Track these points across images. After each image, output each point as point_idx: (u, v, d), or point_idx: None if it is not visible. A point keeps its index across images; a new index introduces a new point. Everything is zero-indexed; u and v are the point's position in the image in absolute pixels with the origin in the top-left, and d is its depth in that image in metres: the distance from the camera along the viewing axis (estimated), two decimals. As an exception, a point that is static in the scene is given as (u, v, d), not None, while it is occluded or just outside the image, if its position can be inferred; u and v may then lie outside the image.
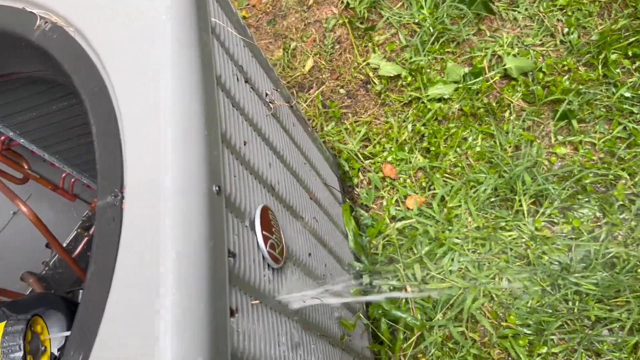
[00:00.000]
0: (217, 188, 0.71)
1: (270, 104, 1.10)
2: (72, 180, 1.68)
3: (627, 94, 1.67)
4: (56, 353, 1.17)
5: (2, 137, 1.45)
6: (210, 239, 0.66)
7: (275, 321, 0.82)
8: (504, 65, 1.81)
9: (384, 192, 1.76)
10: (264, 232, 0.83)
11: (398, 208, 1.71)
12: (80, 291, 1.37)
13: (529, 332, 1.46)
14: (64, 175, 1.65)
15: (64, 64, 0.85)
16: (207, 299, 0.62)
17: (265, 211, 0.86)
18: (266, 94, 1.10)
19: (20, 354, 0.80)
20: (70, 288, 1.66)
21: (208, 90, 0.78)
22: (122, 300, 0.62)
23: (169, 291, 0.60)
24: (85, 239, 1.82)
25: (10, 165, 1.51)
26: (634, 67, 1.71)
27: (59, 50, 0.87)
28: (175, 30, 0.79)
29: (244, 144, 0.89)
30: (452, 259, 1.58)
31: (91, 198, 1.89)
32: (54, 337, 1.21)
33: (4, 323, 0.84)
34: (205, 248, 0.65)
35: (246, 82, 1.01)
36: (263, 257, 0.83)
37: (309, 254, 1.08)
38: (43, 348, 0.92)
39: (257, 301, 0.76)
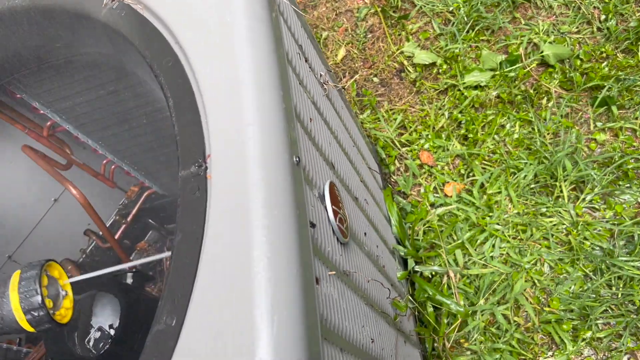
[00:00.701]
0: (297, 159, 0.72)
1: (324, 85, 1.11)
2: (113, 167, 1.70)
3: (669, 80, 1.65)
4: (111, 332, 1.19)
5: (49, 123, 1.46)
6: (296, 208, 0.67)
7: (346, 294, 0.83)
8: (541, 52, 1.80)
9: (422, 179, 1.76)
10: (333, 207, 0.84)
11: (437, 195, 1.71)
12: (128, 274, 1.39)
13: (573, 317, 1.45)
14: (105, 161, 1.67)
15: (134, 41, 0.86)
16: (297, 264, 0.63)
17: (332, 186, 0.87)
18: (320, 75, 1.11)
19: (39, 297, 0.80)
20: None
21: (281, 64, 0.79)
22: (215, 267, 0.63)
23: (263, 256, 0.61)
24: (123, 225, 1.84)
25: (55, 151, 1.53)
26: (674, 52, 1.69)
27: (129, 27, 0.88)
28: (247, 2, 0.79)
29: (310, 121, 0.90)
30: (493, 245, 1.57)
31: (127, 186, 1.91)
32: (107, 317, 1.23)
33: (19, 271, 0.84)
34: (292, 216, 0.65)
35: (306, 61, 1.02)
36: (333, 231, 0.84)
37: (365, 234, 1.09)
38: (64, 292, 0.91)
39: (333, 272, 0.77)
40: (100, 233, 1.80)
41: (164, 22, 0.84)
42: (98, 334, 1.18)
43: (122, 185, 1.88)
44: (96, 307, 1.24)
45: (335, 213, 0.84)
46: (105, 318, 1.22)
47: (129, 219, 1.84)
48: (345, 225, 0.89)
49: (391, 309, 1.15)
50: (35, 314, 0.80)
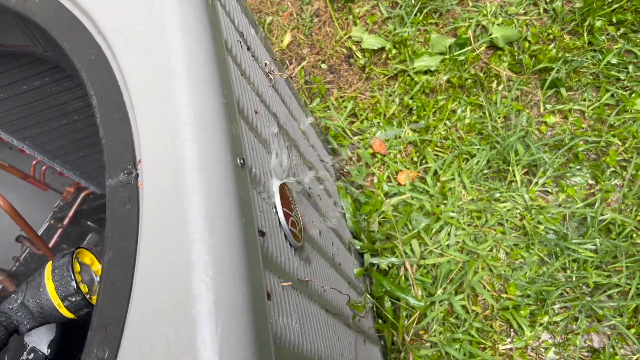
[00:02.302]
0: (241, 161, 0.64)
1: (270, 74, 1.03)
2: (44, 168, 1.57)
3: (614, 61, 1.66)
4: (46, 352, 1.08)
5: (-34, 122, 1.32)
6: (242, 216, 0.59)
7: (302, 303, 0.77)
8: (490, 34, 1.78)
9: (375, 168, 1.71)
10: (284, 209, 0.77)
11: (390, 184, 1.67)
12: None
13: (530, 302, 1.45)
14: (34, 162, 1.53)
15: (52, 32, 0.76)
16: (245, 281, 0.56)
17: (283, 187, 0.80)
18: (265, 64, 1.03)
19: (73, 283, 0.81)
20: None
21: (220, 54, 0.71)
22: (151, 289, 0.55)
23: (205, 275, 0.53)
24: (59, 230, 1.71)
25: (-25, 153, 1.38)
26: (618, 33, 1.71)
27: (44, 15, 0.77)
28: (179, -14, 0.71)
29: (255, 113, 0.82)
30: (449, 233, 1.55)
31: (62, 187, 1.77)
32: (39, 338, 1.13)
33: (51, 261, 0.86)
34: (238, 226, 0.58)
35: (248, 50, 0.93)
36: (285, 236, 0.77)
37: (320, 232, 1.02)
38: (97, 278, 0.91)
39: (288, 283, 0.70)
40: (34, 239, 1.66)
41: (83, 10, 0.74)
42: (31, 356, 1.07)
43: (56, 187, 1.74)
44: (29, 325, 1.12)
45: (287, 216, 0.77)
46: (40, 337, 1.11)
47: (65, 222, 1.71)
48: (298, 228, 0.82)
49: (350, 311, 1.09)
50: (73, 299, 0.82)
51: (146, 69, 0.66)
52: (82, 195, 1.73)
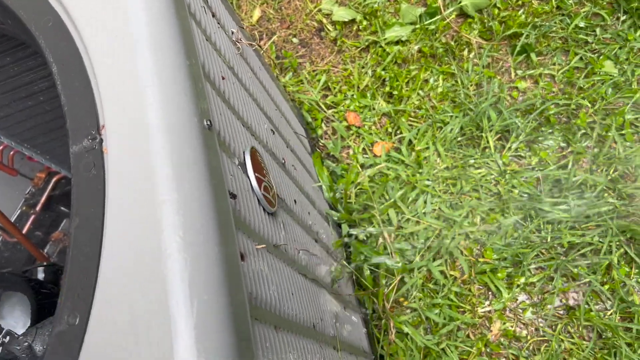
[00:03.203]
0: (208, 123, 0.63)
1: (237, 43, 1.01)
2: (12, 152, 1.53)
3: (581, 24, 1.68)
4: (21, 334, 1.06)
5: None
6: (211, 178, 0.59)
7: (279, 267, 0.77)
8: (460, 2, 1.78)
9: (350, 141, 1.71)
10: (256, 174, 0.76)
11: (366, 156, 1.67)
12: (39, 269, 1.26)
13: (506, 265, 1.47)
14: (1, 147, 1.49)
15: (5, 1, 0.73)
16: (217, 241, 0.55)
17: (254, 152, 0.79)
18: (232, 32, 1.01)
19: None
20: (23, 268, 1.53)
21: (182, 17, 0.69)
22: (120, 252, 0.54)
23: (175, 235, 0.53)
24: (32, 216, 1.68)
25: (-62, 140, 1.35)
26: (585, -3, 1.72)
27: (-5, -17, 0.75)
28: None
29: (222, 79, 0.81)
30: (425, 201, 1.56)
31: (33, 172, 1.74)
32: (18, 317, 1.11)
33: None
34: (207, 187, 0.58)
35: (213, 16, 0.92)
36: (258, 201, 0.76)
37: (295, 201, 1.02)
38: None
39: (262, 245, 0.70)
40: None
41: (37, -26, 0.71)
42: (7, 339, 1.05)
43: (26, 173, 1.70)
44: (3, 309, 1.10)
45: (259, 181, 0.77)
46: (15, 320, 1.09)
47: (37, 208, 1.68)
48: (272, 193, 0.82)
49: (329, 277, 1.10)
50: None
51: (106, 34, 0.64)
52: (53, 180, 1.70)
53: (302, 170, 1.25)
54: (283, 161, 1.06)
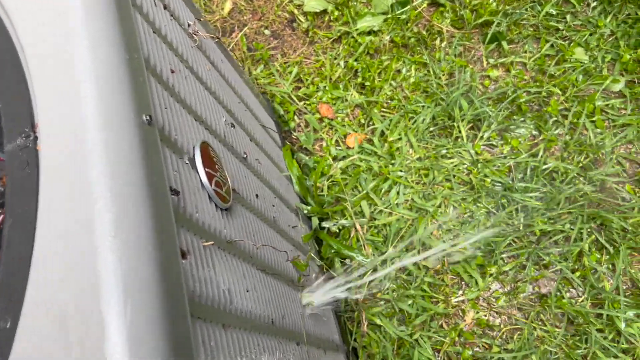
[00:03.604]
0: (147, 118, 0.62)
1: (194, 35, 0.99)
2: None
3: (552, 11, 1.67)
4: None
5: None
6: (149, 174, 0.57)
7: (232, 264, 0.75)
8: (431, -9, 1.77)
9: (323, 133, 1.70)
10: (207, 170, 0.75)
11: (339, 148, 1.66)
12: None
13: (479, 254, 1.47)
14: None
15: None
16: (152, 239, 0.54)
17: (205, 147, 0.78)
18: (188, 25, 0.99)
19: None
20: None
21: (122, 8, 0.67)
22: (51, 254, 0.53)
23: (107, 234, 0.51)
24: (1, 216, 1.65)
25: None
26: (556, -16, 1.71)
27: None
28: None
29: (172, 73, 0.79)
30: (398, 192, 1.55)
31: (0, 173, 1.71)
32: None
33: None
34: (144, 184, 0.56)
35: (165, 8, 0.90)
36: (209, 197, 0.75)
37: (257, 195, 1.01)
38: None
39: (210, 242, 0.68)
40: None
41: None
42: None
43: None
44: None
45: (210, 176, 0.75)
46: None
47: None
48: (226, 188, 0.80)
49: (294, 271, 1.09)
50: None
51: (41, 27, 0.62)
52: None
53: (268, 164, 1.24)
54: (245, 155, 1.04)
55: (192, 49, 0.95)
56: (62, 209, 0.54)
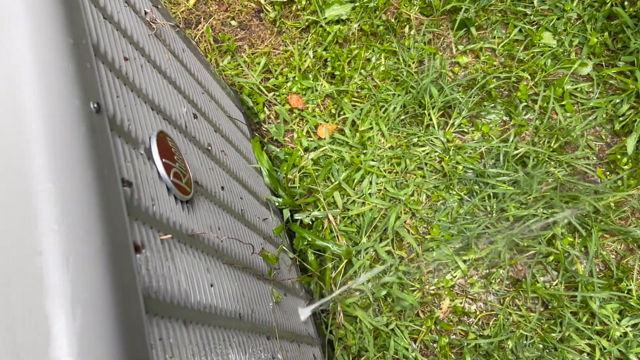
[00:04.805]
0: (95, 105, 0.58)
1: (152, 24, 0.95)
2: None
3: (519, -4, 1.67)
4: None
5: None
6: (97, 165, 0.54)
7: (193, 258, 0.72)
8: (398, -22, 1.75)
9: (294, 124, 1.67)
10: (164, 160, 0.72)
11: (310, 139, 1.63)
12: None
13: (453, 241, 1.46)
14: None
15: None
16: (100, 232, 0.50)
17: (162, 137, 0.74)
18: (145, 12, 0.95)
19: None
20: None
21: (67, -8, 0.64)
22: (-11, 251, 0.49)
23: (49, 229, 0.48)
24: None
25: None
26: (522, -32, 1.71)
27: None
28: None
29: (125, 60, 0.75)
30: (370, 182, 1.54)
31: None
32: None
33: None
34: (91, 175, 0.53)
35: (118, -5, 0.86)
36: (168, 189, 0.72)
37: (222, 188, 0.98)
38: None
39: (168, 236, 0.65)
40: None
41: None
42: None
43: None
44: None
45: (168, 167, 0.72)
46: None
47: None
48: (186, 180, 0.77)
49: (265, 264, 1.06)
50: None
51: (-24, 11, 0.58)
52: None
53: (235, 155, 1.20)
54: (208, 147, 1.01)
55: (149, 37, 0.92)
56: (3, 204, 0.51)
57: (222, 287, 0.78)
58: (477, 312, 1.43)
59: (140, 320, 0.51)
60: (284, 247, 1.24)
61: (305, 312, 1.21)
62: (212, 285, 0.75)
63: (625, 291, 1.36)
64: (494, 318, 1.42)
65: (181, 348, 0.60)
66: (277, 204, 1.39)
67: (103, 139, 0.57)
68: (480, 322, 1.42)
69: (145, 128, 0.73)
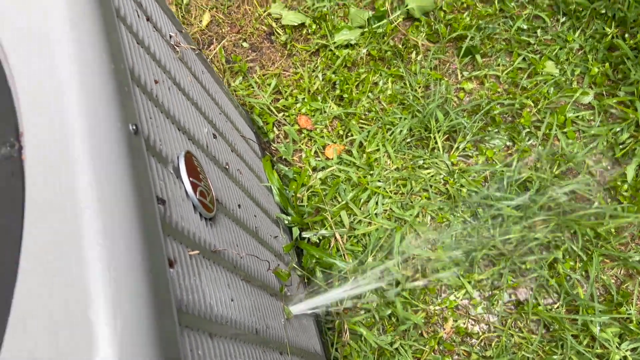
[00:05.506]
0: (134, 127, 0.62)
1: (176, 47, 1.00)
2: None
3: (524, 26, 1.73)
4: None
5: None
6: (136, 183, 0.57)
7: (216, 273, 0.75)
8: (406, 6, 1.80)
9: (302, 144, 1.71)
10: (191, 179, 0.75)
11: (318, 159, 1.67)
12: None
13: (458, 262, 1.49)
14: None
15: None
16: (140, 247, 0.54)
17: (189, 157, 0.78)
18: (170, 36, 1.00)
19: None
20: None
21: (108, 19, 0.68)
22: (38, 262, 0.52)
23: (94, 244, 0.51)
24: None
25: None
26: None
27: None
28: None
29: (155, 83, 0.79)
30: (377, 202, 1.57)
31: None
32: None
33: None
34: (131, 192, 0.56)
35: (148, 20, 0.90)
36: (194, 206, 0.75)
37: (239, 205, 1.01)
38: None
39: (195, 252, 0.69)
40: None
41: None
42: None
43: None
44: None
45: (194, 186, 0.76)
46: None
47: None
48: (210, 198, 0.81)
49: (276, 281, 1.09)
50: None
51: (25, 36, 0.62)
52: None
53: (249, 174, 1.24)
54: (226, 166, 1.04)
55: (174, 60, 0.96)
56: (49, 219, 0.54)
57: (241, 302, 0.81)
58: (480, 333, 1.45)
59: (174, 332, 0.54)
60: (294, 265, 1.27)
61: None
62: (232, 300, 0.78)
63: (625, 315, 1.39)
64: (496, 339, 1.44)
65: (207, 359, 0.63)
66: (286, 221, 1.42)
67: (141, 158, 0.61)
68: (482, 343, 1.45)
69: (173, 148, 0.76)
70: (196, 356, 0.60)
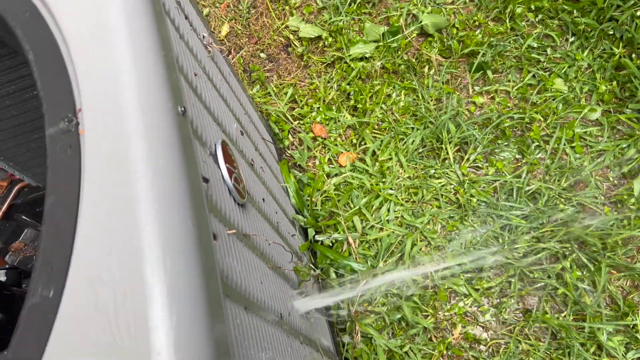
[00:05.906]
0: (182, 109, 0.66)
1: (208, 47, 1.05)
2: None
3: (534, 44, 1.79)
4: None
5: None
6: (185, 159, 0.61)
7: (248, 255, 0.79)
8: (420, 22, 1.87)
9: (316, 151, 1.75)
10: (227, 165, 0.79)
11: (332, 166, 1.71)
12: (1, 271, 1.23)
13: (467, 269, 1.52)
14: (-37, 153, 1.47)
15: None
16: (190, 215, 0.58)
17: (225, 145, 0.82)
18: (203, 36, 1.05)
19: None
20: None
21: (157, 11, 0.73)
22: (95, 226, 0.56)
23: (150, 208, 0.55)
24: None
25: None
26: (537, 19, 1.83)
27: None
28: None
29: (195, 76, 0.84)
30: (389, 209, 1.61)
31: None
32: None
33: None
34: (181, 167, 0.60)
35: (186, 19, 0.95)
36: (229, 191, 0.79)
37: (263, 199, 1.05)
38: None
39: (233, 231, 0.72)
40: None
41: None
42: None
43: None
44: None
45: (230, 172, 0.80)
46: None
47: (-1, 216, 1.65)
48: (242, 185, 0.85)
49: (295, 277, 1.12)
50: None
51: (84, 22, 0.67)
52: (16, 188, 1.67)
53: (269, 174, 1.28)
54: (252, 162, 1.09)
55: (207, 58, 1.01)
56: (105, 188, 0.58)
57: (268, 286, 0.85)
58: (488, 340, 1.48)
59: (217, 292, 0.58)
60: (310, 264, 1.30)
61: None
62: (261, 283, 0.81)
63: (631, 325, 1.41)
64: (504, 346, 1.46)
65: (243, 330, 0.66)
66: (302, 223, 1.46)
67: (188, 138, 0.65)
68: (490, 349, 1.47)
69: (211, 135, 0.81)
70: (236, 324, 0.63)
